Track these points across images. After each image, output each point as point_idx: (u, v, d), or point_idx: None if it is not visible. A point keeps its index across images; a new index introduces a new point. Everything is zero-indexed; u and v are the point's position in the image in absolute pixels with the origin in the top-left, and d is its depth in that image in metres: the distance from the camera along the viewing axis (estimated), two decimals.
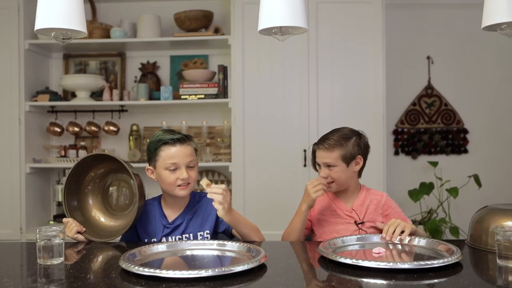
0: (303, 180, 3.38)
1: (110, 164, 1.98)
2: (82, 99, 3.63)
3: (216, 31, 3.54)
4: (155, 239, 1.92)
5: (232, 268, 1.35)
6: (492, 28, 1.52)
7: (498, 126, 3.88)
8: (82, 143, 3.72)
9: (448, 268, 1.42)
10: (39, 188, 3.70)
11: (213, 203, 1.73)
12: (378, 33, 3.35)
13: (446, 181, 3.63)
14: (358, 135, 2.03)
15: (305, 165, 3.38)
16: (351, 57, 3.38)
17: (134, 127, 3.76)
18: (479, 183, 3.53)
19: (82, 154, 3.61)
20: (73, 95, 3.76)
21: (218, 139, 3.70)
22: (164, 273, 1.30)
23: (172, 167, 1.85)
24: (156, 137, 1.90)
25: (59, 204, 3.73)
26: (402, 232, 1.74)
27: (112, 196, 2.04)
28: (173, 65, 3.88)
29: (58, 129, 3.70)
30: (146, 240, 1.93)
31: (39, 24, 1.48)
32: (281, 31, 1.48)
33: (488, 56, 3.88)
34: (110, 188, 2.05)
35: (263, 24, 1.48)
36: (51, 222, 3.68)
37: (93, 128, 3.71)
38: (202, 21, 3.60)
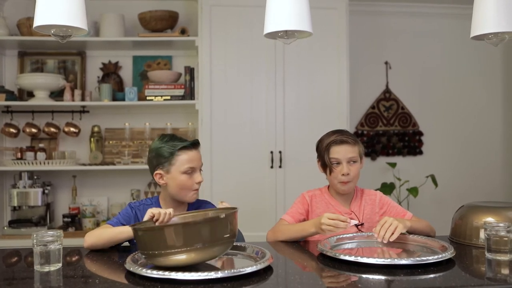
0: (270, 181, 3.43)
1: None
2: (41, 99, 3.47)
3: (183, 32, 3.51)
4: None
5: (244, 269, 1.35)
6: (480, 37, 1.63)
7: (450, 128, 4.12)
8: (41, 145, 3.56)
9: (443, 263, 1.50)
10: None
11: None
12: (343, 38, 3.46)
13: (405, 181, 3.80)
14: None
15: (272, 167, 3.42)
16: (316, 61, 3.46)
17: (96, 129, 3.65)
18: (435, 183, 3.72)
19: (41, 156, 3.46)
20: (30, 94, 3.59)
21: None
22: (181, 275, 1.29)
23: (190, 171, 1.85)
24: (167, 142, 1.86)
25: (14, 209, 3.55)
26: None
27: None
28: (136, 65, 3.80)
29: (14, 130, 3.52)
30: None
31: (39, 20, 1.43)
32: (286, 34, 1.51)
33: (442, 62, 4.11)
34: None
35: (269, 27, 1.50)
36: (5, 228, 3.49)
37: (52, 129, 3.56)
38: (168, 21, 3.55)
